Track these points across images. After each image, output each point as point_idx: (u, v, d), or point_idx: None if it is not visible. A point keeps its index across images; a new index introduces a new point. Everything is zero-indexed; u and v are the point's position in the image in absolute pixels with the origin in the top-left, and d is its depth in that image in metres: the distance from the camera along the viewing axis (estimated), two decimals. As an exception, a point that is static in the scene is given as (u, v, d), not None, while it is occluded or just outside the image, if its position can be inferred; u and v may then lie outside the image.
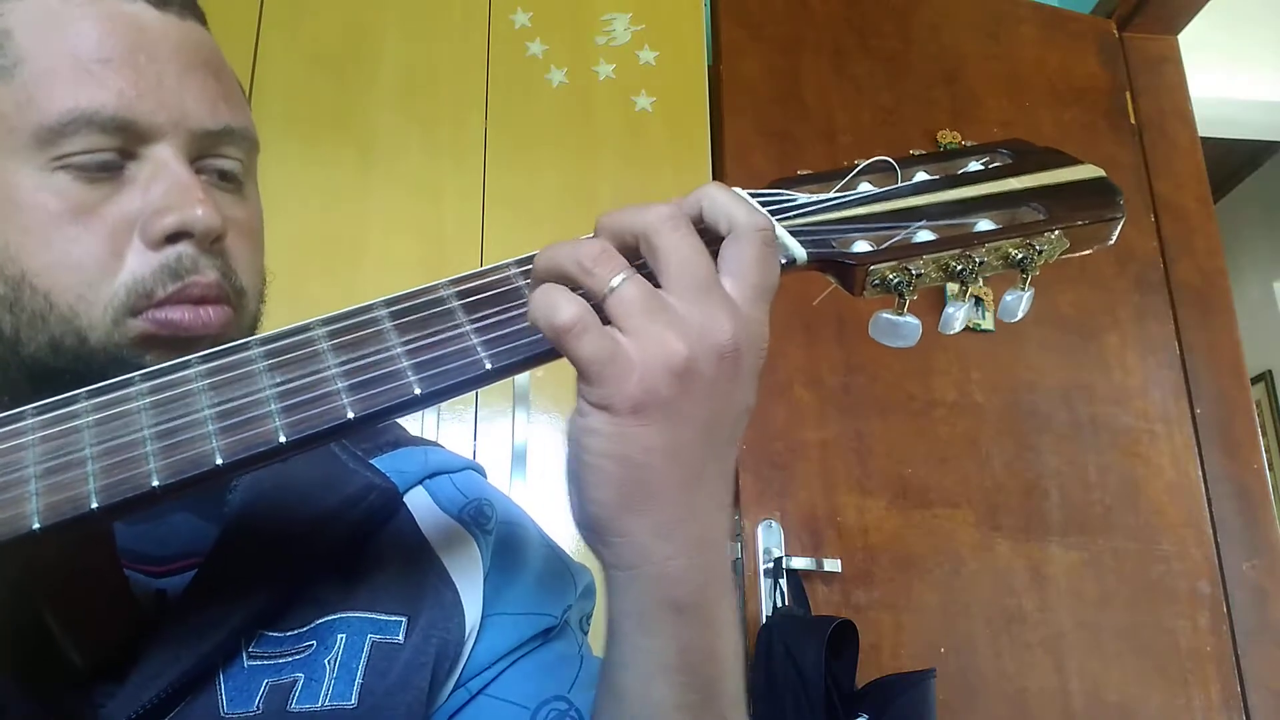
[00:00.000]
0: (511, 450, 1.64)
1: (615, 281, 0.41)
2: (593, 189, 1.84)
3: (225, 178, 0.54)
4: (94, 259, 0.49)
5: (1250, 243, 3.72)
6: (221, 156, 0.53)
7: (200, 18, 0.55)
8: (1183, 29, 2.40)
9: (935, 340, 0.50)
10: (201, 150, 0.52)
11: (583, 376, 0.41)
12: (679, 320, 0.40)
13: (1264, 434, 3.25)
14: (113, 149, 0.49)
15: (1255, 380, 3.50)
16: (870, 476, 1.87)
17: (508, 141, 1.84)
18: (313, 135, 1.76)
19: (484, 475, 0.67)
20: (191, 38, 0.53)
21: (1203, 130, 2.32)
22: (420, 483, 0.61)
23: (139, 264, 0.49)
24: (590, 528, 0.42)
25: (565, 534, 0.65)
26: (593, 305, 0.42)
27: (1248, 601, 1.94)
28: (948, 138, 2.12)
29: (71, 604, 0.46)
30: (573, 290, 0.42)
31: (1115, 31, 2.37)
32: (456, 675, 0.55)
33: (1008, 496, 1.91)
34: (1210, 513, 1.98)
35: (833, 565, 1.76)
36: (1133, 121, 2.28)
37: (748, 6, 2.13)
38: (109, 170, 0.49)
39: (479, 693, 0.55)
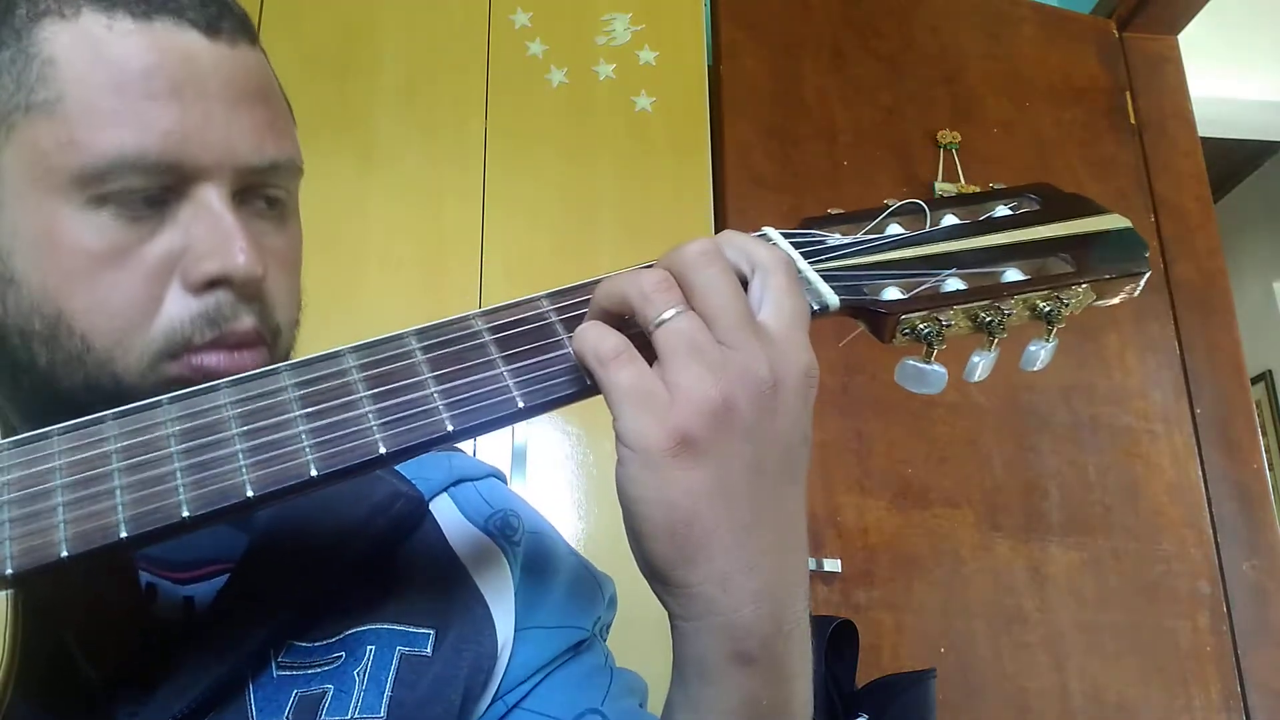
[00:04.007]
0: (511, 450, 1.64)
1: (669, 314, 0.41)
2: (593, 189, 1.84)
3: (270, 205, 0.53)
4: (133, 304, 0.48)
5: (1250, 243, 3.72)
6: (265, 189, 0.52)
7: (251, 38, 0.53)
8: (1183, 29, 2.41)
9: (963, 349, 0.50)
10: (247, 185, 0.51)
11: (616, 410, 0.41)
12: (719, 360, 0.40)
13: (1264, 434, 3.25)
14: (156, 187, 0.48)
15: (1255, 380, 3.50)
16: (870, 476, 1.87)
17: (507, 141, 1.84)
18: (312, 135, 1.74)
19: (505, 482, 0.66)
20: (242, 66, 0.51)
21: (1203, 130, 2.32)
22: (445, 490, 0.61)
23: (177, 309, 0.48)
24: (653, 579, 0.42)
25: (569, 535, 0.65)
26: (637, 335, 0.42)
27: (1248, 601, 1.94)
28: (948, 138, 2.12)
29: (92, 628, 0.46)
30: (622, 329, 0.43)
31: (1115, 31, 2.37)
32: (493, 689, 0.55)
33: (1008, 496, 1.91)
34: (1210, 513, 1.98)
35: (833, 565, 1.76)
36: (1133, 121, 2.28)
37: (748, 6, 2.13)
38: (151, 207, 0.48)
39: (515, 706, 0.55)
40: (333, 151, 1.76)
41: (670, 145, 1.89)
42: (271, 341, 0.52)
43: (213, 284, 0.48)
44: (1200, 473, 2.01)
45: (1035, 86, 2.24)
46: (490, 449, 1.63)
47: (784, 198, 1.98)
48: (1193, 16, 2.39)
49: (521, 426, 1.65)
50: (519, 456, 1.64)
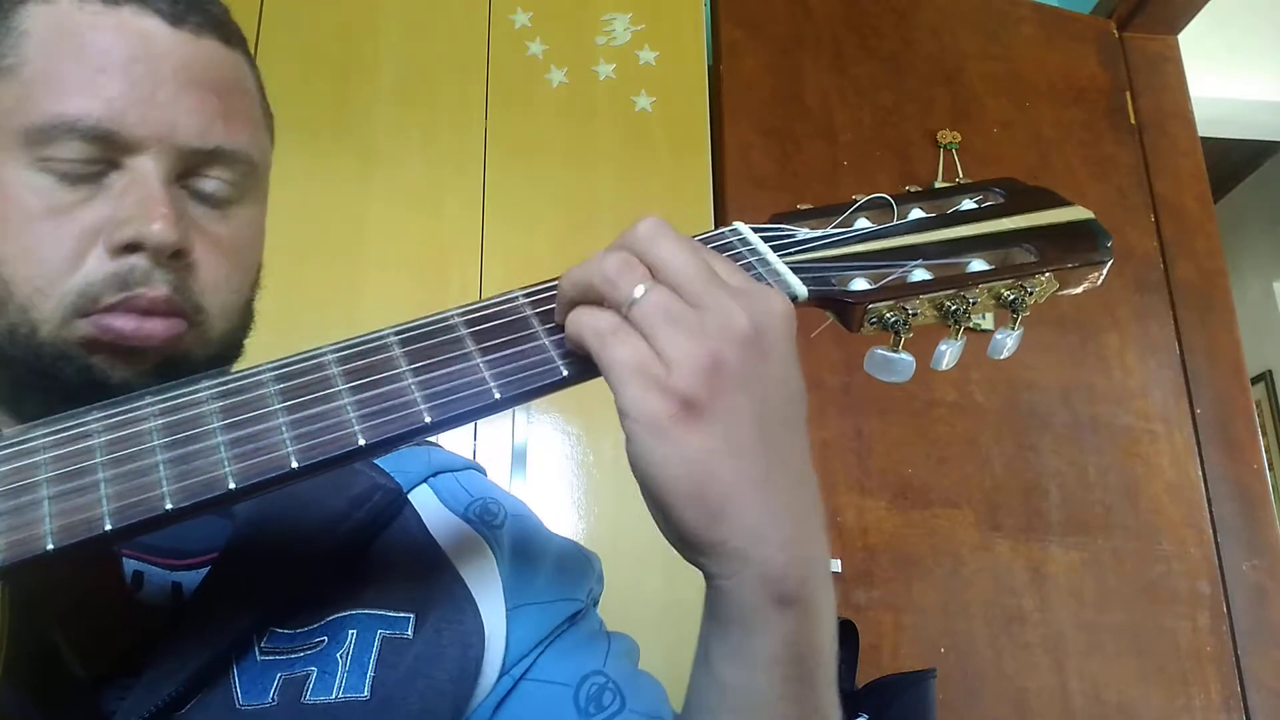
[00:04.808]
0: (511, 450, 1.64)
1: (638, 292, 0.42)
2: (592, 189, 1.84)
3: (209, 197, 0.55)
4: (56, 257, 0.50)
5: (1250, 243, 3.72)
6: (207, 177, 0.54)
7: (224, 37, 0.56)
8: (1183, 29, 2.41)
9: (935, 340, 0.51)
10: (189, 167, 0.53)
11: (617, 386, 0.42)
12: (697, 323, 0.42)
13: (1264, 434, 3.25)
14: (95, 157, 0.50)
15: (1255, 380, 3.50)
16: (870, 476, 1.87)
17: (507, 141, 1.84)
18: (312, 135, 1.76)
19: (484, 474, 0.68)
20: (201, 56, 0.54)
21: (1203, 130, 2.32)
22: (424, 481, 0.62)
23: (94, 269, 0.50)
24: (685, 547, 0.43)
25: (568, 535, 0.66)
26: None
27: (1248, 601, 1.94)
28: (948, 138, 2.12)
29: (78, 620, 0.47)
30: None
31: (1115, 31, 2.38)
32: (493, 668, 0.56)
33: (1008, 496, 1.91)
34: (1210, 513, 1.98)
35: (833, 565, 1.76)
36: (1133, 121, 2.28)
37: (748, 6, 2.13)
38: (89, 177, 0.51)
39: (521, 679, 0.57)
40: (332, 152, 1.76)
41: (670, 145, 1.89)
42: (192, 317, 0.53)
43: (130, 248, 0.50)
44: (1200, 473, 2.01)
45: (1035, 86, 2.24)
46: (490, 449, 1.64)
47: (784, 198, 1.98)
48: (1193, 16, 2.39)
49: (521, 426, 1.65)
50: (519, 456, 1.64)
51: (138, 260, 0.50)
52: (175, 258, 0.51)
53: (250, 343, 0.59)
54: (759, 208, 1.95)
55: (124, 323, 0.50)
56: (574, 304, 0.45)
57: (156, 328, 0.51)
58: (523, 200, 1.80)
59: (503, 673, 0.56)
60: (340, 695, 0.51)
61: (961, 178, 2.09)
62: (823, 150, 2.06)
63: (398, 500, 0.59)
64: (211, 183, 0.54)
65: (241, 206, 0.57)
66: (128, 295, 0.50)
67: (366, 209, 1.75)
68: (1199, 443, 2.03)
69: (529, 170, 1.82)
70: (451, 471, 0.64)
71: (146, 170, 0.51)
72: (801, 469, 0.44)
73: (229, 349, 0.56)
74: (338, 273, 1.68)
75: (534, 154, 1.84)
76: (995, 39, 2.27)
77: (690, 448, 0.41)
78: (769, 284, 0.48)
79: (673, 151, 1.88)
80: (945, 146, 2.12)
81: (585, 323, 0.43)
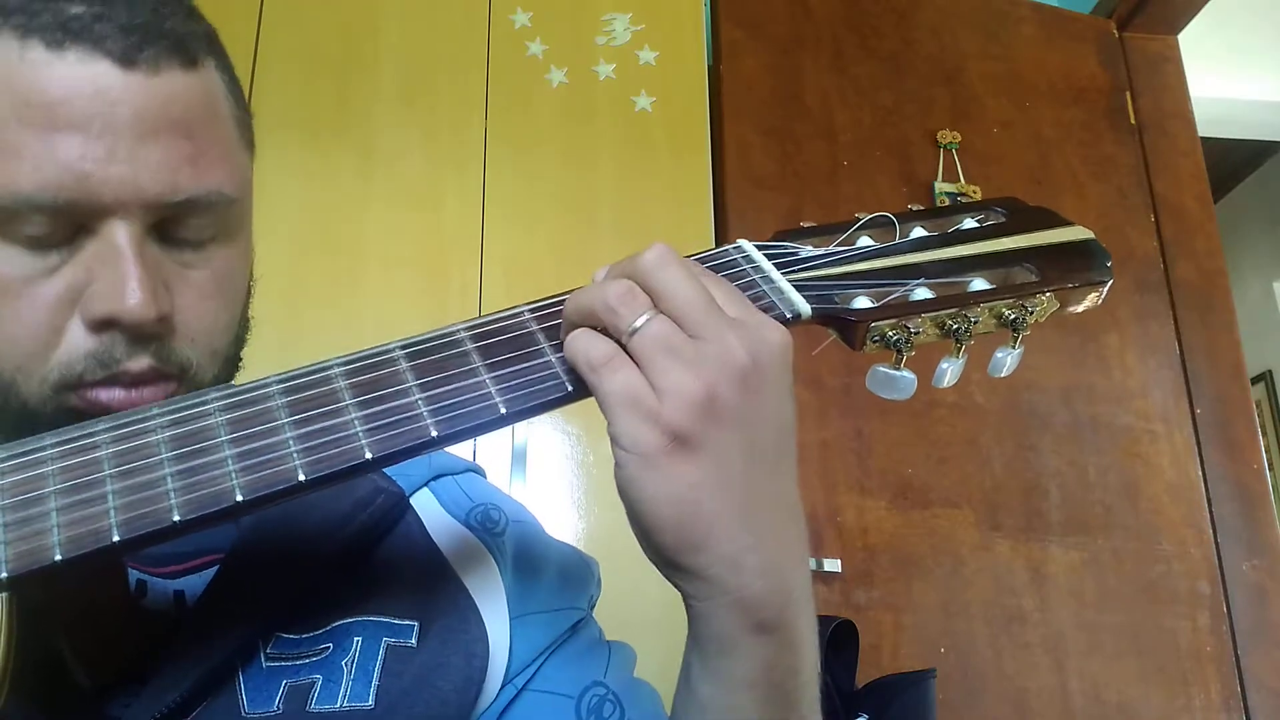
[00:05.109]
0: (511, 450, 1.64)
1: (639, 321, 0.43)
2: (592, 189, 1.84)
3: (188, 241, 0.51)
4: (33, 336, 0.48)
5: (1250, 243, 3.72)
6: (183, 224, 0.50)
7: (185, 60, 0.50)
8: (1183, 29, 2.41)
9: (936, 356, 0.52)
10: (160, 219, 0.49)
11: (610, 415, 0.42)
12: (695, 355, 0.42)
13: (1264, 434, 3.24)
14: (61, 226, 0.47)
15: (1255, 380, 3.50)
16: (870, 476, 1.87)
17: (507, 141, 1.84)
18: (312, 135, 1.76)
19: (484, 476, 0.68)
20: (159, 96, 0.48)
21: (1203, 130, 2.33)
22: (425, 484, 0.62)
23: (74, 344, 0.48)
24: (664, 567, 0.44)
25: (568, 536, 0.66)
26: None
27: (1248, 601, 1.94)
28: (948, 138, 2.12)
29: (83, 629, 0.47)
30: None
31: (1115, 31, 2.38)
32: (496, 677, 0.56)
33: (1008, 496, 1.91)
34: (1210, 513, 1.98)
35: (833, 565, 1.77)
36: (1133, 121, 2.28)
37: (748, 6, 2.13)
38: (57, 244, 0.47)
39: (523, 689, 0.57)
40: (332, 152, 1.76)
41: (670, 145, 1.89)
42: (181, 376, 0.50)
43: (107, 323, 0.47)
44: (1200, 473, 2.01)
45: (1035, 86, 2.24)
46: (490, 449, 1.64)
47: (784, 198, 1.98)
48: (1193, 16, 2.39)
49: (521, 427, 1.65)
50: (519, 456, 1.64)
51: (116, 336, 0.48)
52: (156, 323, 0.48)
53: (251, 342, 0.59)
54: (759, 208, 1.95)
55: (110, 395, 0.48)
56: (576, 327, 0.45)
57: (146, 396, 0.49)
58: (523, 200, 1.80)
59: (505, 682, 0.57)
60: (345, 704, 0.51)
61: (962, 178, 2.09)
62: (823, 150, 2.06)
63: (400, 504, 0.59)
64: (186, 232, 0.51)
65: (223, 242, 0.53)
66: (108, 374, 0.48)
67: (367, 208, 1.75)
68: (1199, 443, 2.03)
69: (529, 170, 1.82)
70: (452, 474, 0.65)
71: (117, 236, 0.47)
72: (786, 498, 0.45)
73: (225, 379, 0.55)
74: (338, 272, 1.68)
75: (534, 154, 1.84)
76: (995, 39, 2.27)
77: (678, 480, 0.41)
78: (774, 301, 0.49)
79: (673, 151, 1.88)
80: (945, 146, 2.12)
81: (580, 349, 0.44)
